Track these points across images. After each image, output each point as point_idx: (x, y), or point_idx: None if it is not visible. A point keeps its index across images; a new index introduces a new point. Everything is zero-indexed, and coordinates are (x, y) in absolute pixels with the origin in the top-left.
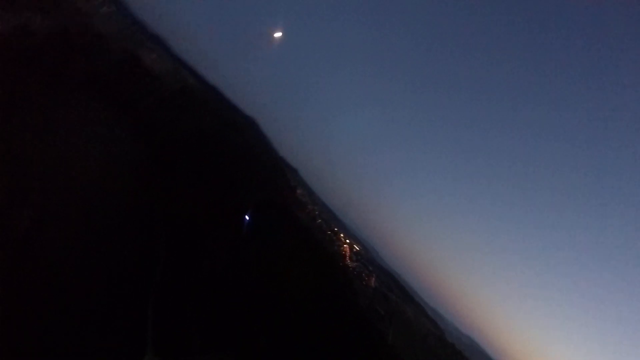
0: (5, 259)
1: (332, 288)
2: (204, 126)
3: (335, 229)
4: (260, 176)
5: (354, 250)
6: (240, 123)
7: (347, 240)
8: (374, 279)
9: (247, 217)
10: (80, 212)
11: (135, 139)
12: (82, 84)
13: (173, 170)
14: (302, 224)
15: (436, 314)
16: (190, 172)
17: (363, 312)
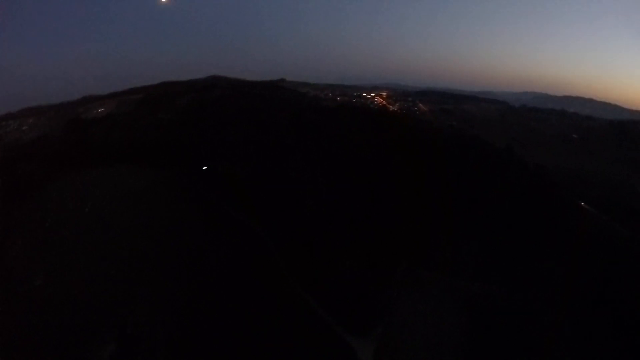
0: None
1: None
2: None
3: (354, 94)
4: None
5: (384, 95)
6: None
7: (372, 94)
8: (421, 104)
9: None
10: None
11: None
12: None
13: None
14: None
15: (489, 94)
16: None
17: (442, 132)
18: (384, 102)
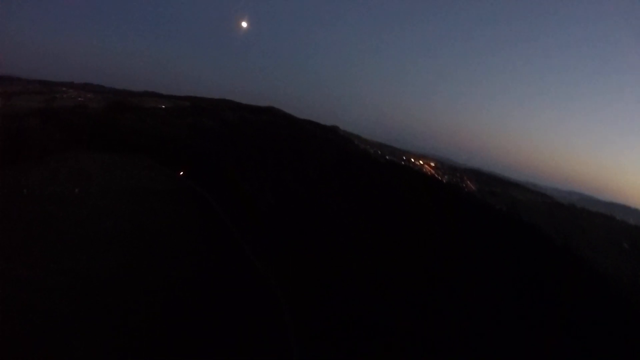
0: None
1: (450, 204)
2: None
3: (404, 157)
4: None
5: (432, 165)
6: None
7: (420, 161)
8: (468, 181)
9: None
10: None
11: None
12: None
13: None
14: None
15: (534, 185)
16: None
17: (484, 210)
18: (432, 171)
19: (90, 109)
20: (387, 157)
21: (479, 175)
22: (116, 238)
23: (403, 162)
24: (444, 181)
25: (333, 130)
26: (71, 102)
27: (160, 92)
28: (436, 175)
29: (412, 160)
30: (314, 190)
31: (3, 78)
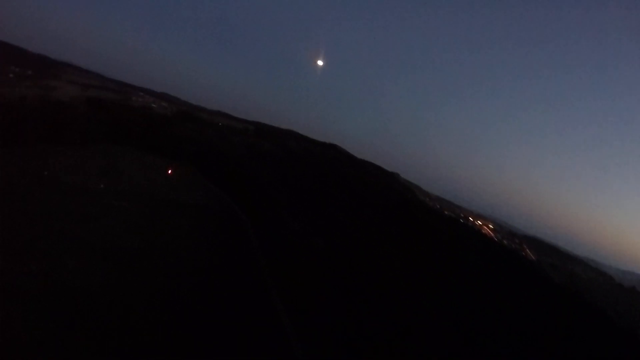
0: None
1: (509, 271)
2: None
3: (462, 215)
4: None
5: (490, 227)
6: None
7: (479, 222)
8: (528, 249)
9: None
10: None
11: None
12: None
13: None
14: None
15: (594, 262)
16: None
17: (543, 283)
18: (491, 233)
19: (155, 113)
20: (446, 212)
21: (538, 244)
22: (124, 245)
23: (461, 220)
24: (503, 246)
25: (394, 177)
26: (139, 104)
27: (230, 114)
28: (495, 238)
29: (470, 219)
30: (369, 235)
31: (88, 72)
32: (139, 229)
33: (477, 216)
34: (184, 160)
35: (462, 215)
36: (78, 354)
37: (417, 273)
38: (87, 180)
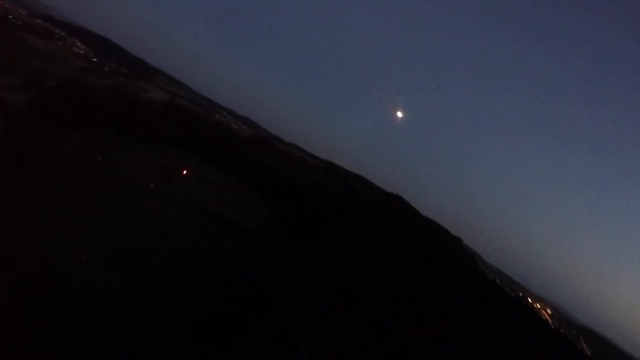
0: None
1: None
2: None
3: (521, 295)
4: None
5: (549, 313)
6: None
7: (537, 304)
8: (584, 342)
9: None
10: None
11: None
12: None
13: None
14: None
15: None
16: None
17: None
18: (549, 319)
19: (231, 132)
20: (506, 289)
21: (596, 339)
22: (148, 250)
23: (521, 299)
24: (560, 336)
25: (457, 241)
26: (219, 120)
27: (304, 148)
28: (552, 325)
29: (529, 300)
30: (426, 303)
31: (179, 83)
32: (169, 238)
33: (537, 298)
34: (247, 181)
35: (521, 294)
36: (65, 344)
37: (473, 351)
38: (139, 177)
